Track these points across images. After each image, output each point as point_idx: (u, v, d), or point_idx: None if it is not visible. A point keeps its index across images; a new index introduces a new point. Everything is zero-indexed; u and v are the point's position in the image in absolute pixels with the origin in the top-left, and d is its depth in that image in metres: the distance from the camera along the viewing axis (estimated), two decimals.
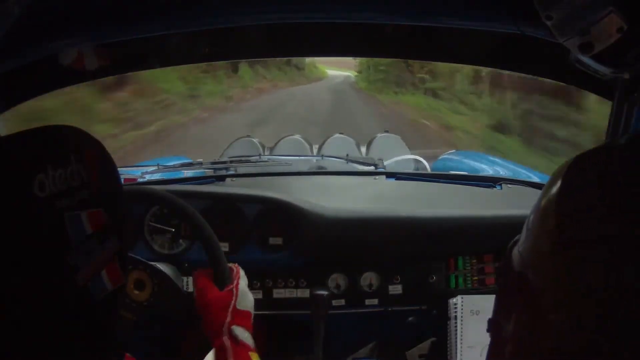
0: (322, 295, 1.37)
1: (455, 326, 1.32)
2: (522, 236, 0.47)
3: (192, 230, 1.36)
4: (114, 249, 0.53)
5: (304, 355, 1.40)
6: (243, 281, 1.06)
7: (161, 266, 1.19)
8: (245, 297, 1.04)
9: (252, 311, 1.05)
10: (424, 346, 1.50)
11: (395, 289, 1.45)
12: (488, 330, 0.52)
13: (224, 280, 1.05)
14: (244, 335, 0.98)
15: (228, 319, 0.99)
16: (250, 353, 0.96)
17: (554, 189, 0.43)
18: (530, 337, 0.42)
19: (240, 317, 1.01)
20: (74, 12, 0.88)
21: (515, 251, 0.47)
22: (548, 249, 0.41)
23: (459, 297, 1.33)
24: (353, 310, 1.48)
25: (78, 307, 0.49)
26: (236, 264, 1.10)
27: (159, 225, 1.43)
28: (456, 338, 1.31)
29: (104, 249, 0.52)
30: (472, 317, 1.31)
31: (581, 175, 0.42)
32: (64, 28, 0.91)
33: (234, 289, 1.03)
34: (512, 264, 0.46)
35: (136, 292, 1.17)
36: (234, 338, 0.97)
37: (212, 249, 1.09)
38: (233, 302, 1.02)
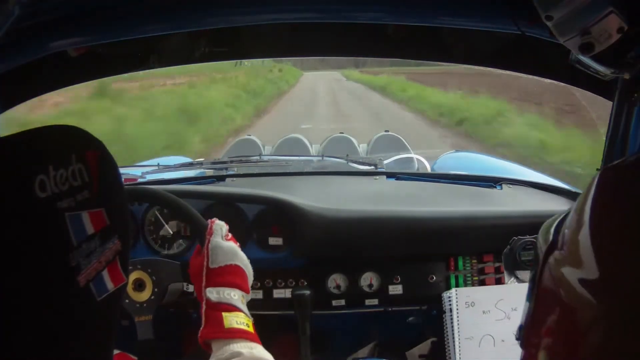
0: (303, 294, 1.38)
1: (451, 319, 1.32)
2: (559, 245, 0.44)
3: (168, 209, 1.34)
4: (115, 249, 0.53)
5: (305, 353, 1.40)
6: (216, 236, 0.98)
7: (163, 268, 1.20)
8: (220, 251, 0.96)
9: (237, 262, 0.97)
10: (424, 346, 1.50)
11: (395, 289, 1.45)
12: (517, 339, 0.50)
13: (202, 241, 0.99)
14: (220, 294, 0.91)
15: (203, 283, 0.93)
16: (224, 314, 0.89)
17: (587, 209, 0.41)
18: (566, 354, 0.41)
19: (215, 275, 0.94)
20: (74, 12, 0.88)
21: (552, 260, 0.44)
22: (581, 284, 0.39)
23: (452, 290, 1.34)
24: (353, 310, 1.48)
25: (79, 307, 0.49)
26: (213, 219, 1.02)
27: (159, 225, 1.43)
28: (453, 331, 1.32)
29: (105, 249, 0.52)
30: (468, 309, 1.32)
31: (613, 195, 0.40)
32: (64, 28, 0.91)
33: (205, 249, 0.96)
34: (548, 272, 0.44)
35: (136, 292, 1.17)
36: (208, 301, 0.91)
37: (184, 211, 1.03)
38: (205, 263, 0.95)
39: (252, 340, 0.89)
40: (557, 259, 0.43)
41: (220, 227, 1.00)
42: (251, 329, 0.90)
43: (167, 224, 1.43)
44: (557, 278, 0.42)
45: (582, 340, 0.38)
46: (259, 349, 0.87)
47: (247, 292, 0.96)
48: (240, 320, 0.90)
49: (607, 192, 0.41)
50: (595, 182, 0.42)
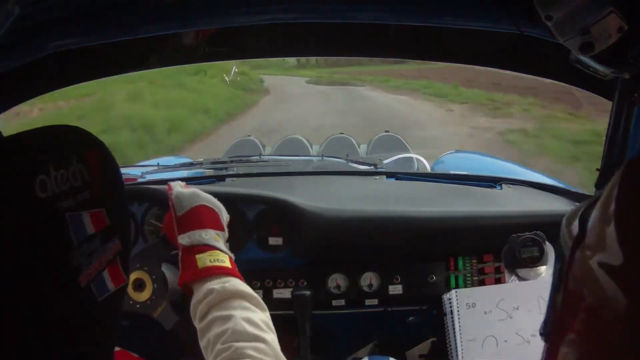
0: (304, 295, 1.38)
1: (452, 321, 1.31)
2: (586, 240, 0.44)
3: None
4: (115, 249, 0.53)
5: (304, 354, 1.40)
6: (176, 187, 1.00)
7: (162, 267, 1.20)
8: (182, 197, 0.97)
9: (201, 202, 0.98)
10: (424, 346, 1.50)
11: (395, 289, 1.45)
12: (542, 334, 0.50)
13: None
14: (192, 237, 0.93)
15: (176, 233, 0.95)
16: (197, 255, 0.90)
17: (612, 201, 0.41)
18: (595, 351, 0.41)
19: (184, 222, 0.95)
20: (74, 12, 0.88)
21: (578, 254, 0.44)
22: (607, 270, 0.39)
23: (452, 292, 1.33)
24: (353, 310, 1.48)
25: (80, 307, 0.50)
26: (168, 183, 1.04)
27: (159, 225, 1.43)
28: (454, 333, 1.30)
29: (106, 249, 0.52)
30: (469, 311, 1.31)
31: (635, 189, 0.40)
32: (64, 28, 0.91)
33: (170, 202, 0.98)
34: (574, 267, 0.44)
35: (136, 292, 1.17)
36: (183, 247, 0.93)
37: (142, 191, 1.07)
38: (173, 214, 0.97)
39: (227, 274, 0.89)
40: (584, 252, 0.43)
41: (176, 183, 1.03)
42: (227, 264, 0.91)
43: None
44: (584, 271, 0.42)
45: (609, 332, 0.39)
46: (232, 282, 0.87)
47: (220, 229, 0.97)
48: (214, 257, 0.91)
49: (632, 184, 0.41)
50: (620, 175, 0.42)
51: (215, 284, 0.86)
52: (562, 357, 0.45)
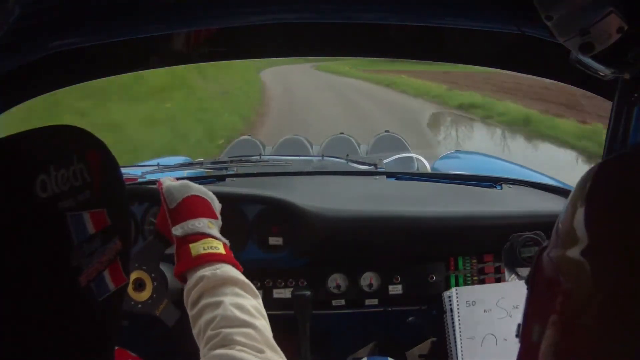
0: (304, 295, 1.38)
1: (452, 319, 1.32)
2: (552, 242, 0.47)
3: None
4: (116, 249, 0.53)
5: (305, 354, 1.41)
6: (166, 182, 1.00)
7: (161, 266, 1.20)
8: (173, 190, 0.97)
9: (192, 192, 0.97)
10: (424, 346, 1.50)
11: (395, 289, 1.45)
12: (517, 336, 0.51)
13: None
14: (185, 227, 0.92)
15: (170, 226, 0.95)
16: (191, 245, 0.89)
17: (582, 197, 0.43)
18: (564, 341, 0.42)
19: (177, 214, 0.95)
20: (75, 11, 0.88)
21: (545, 256, 0.47)
22: (577, 255, 0.41)
23: (453, 290, 1.33)
24: (353, 310, 1.48)
25: (81, 307, 0.49)
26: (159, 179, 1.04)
27: None
28: (454, 331, 1.31)
29: (107, 249, 0.52)
30: (469, 309, 1.31)
31: (607, 183, 0.42)
32: (64, 28, 0.91)
33: (161, 196, 0.98)
34: (542, 270, 0.46)
35: (136, 292, 1.17)
36: (177, 238, 0.92)
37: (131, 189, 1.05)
38: (166, 209, 0.97)
39: (221, 261, 0.89)
40: (551, 248, 0.46)
41: (167, 178, 1.03)
42: (221, 251, 0.90)
43: None
44: (552, 263, 0.45)
45: (579, 316, 0.40)
46: (223, 268, 0.87)
47: (214, 217, 0.97)
48: (208, 245, 0.90)
49: (601, 180, 0.43)
50: (592, 173, 0.43)
51: (207, 271, 0.85)
52: (534, 348, 0.46)
